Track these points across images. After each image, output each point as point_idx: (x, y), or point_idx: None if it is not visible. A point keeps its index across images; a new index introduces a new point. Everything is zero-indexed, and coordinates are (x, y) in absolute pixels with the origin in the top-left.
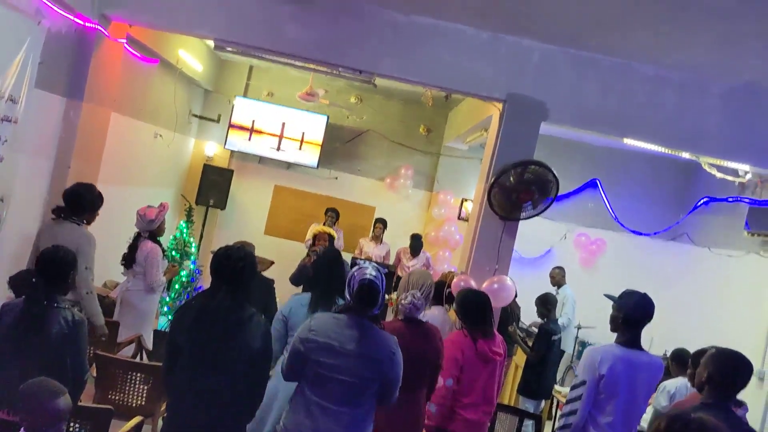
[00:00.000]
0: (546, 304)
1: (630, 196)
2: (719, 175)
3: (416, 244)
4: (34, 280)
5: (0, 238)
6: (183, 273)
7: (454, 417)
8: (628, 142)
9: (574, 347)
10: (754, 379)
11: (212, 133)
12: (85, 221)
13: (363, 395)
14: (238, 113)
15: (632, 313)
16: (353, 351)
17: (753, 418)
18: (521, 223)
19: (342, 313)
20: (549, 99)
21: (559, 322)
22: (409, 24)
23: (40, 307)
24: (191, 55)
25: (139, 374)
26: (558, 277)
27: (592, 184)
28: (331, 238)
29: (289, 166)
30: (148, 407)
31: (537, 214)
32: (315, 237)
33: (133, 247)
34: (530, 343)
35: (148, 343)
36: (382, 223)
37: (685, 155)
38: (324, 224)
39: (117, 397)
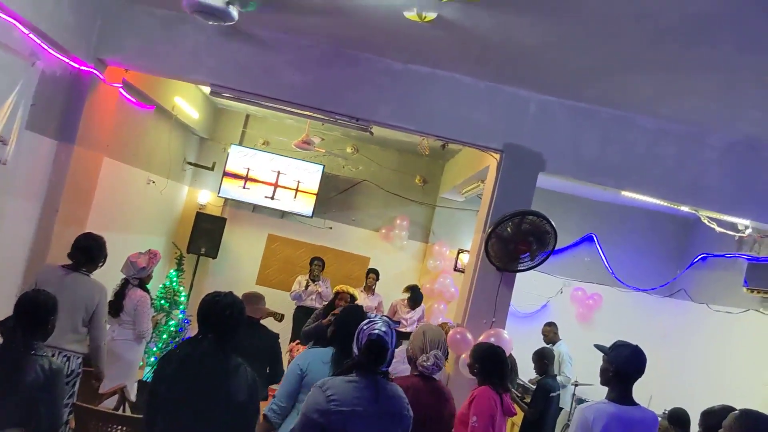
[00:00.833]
0: (543, 359)
1: (627, 250)
2: (719, 229)
3: (416, 296)
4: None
5: None
6: (172, 323)
7: None
8: (627, 194)
9: (572, 404)
10: None
11: (206, 181)
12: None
13: None
14: (233, 161)
15: (624, 366)
16: (377, 411)
17: None
18: (517, 278)
19: (352, 373)
20: (546, 150)
21: (558, 380)
22: (406, 72)
23: (17, 353)
24: (188, 102)
25: (120, 427)
26: (550, 335)
27: (588, 239)
28: (352, 298)
29: (283, 214)
30: None
31: (535, 266)
32: (336, 295)
33: (121, 295)
34: (528, 400)
35: (132, 394)
36: (374, 273)
37: (685, 209)
38: (310, 275)
39: None
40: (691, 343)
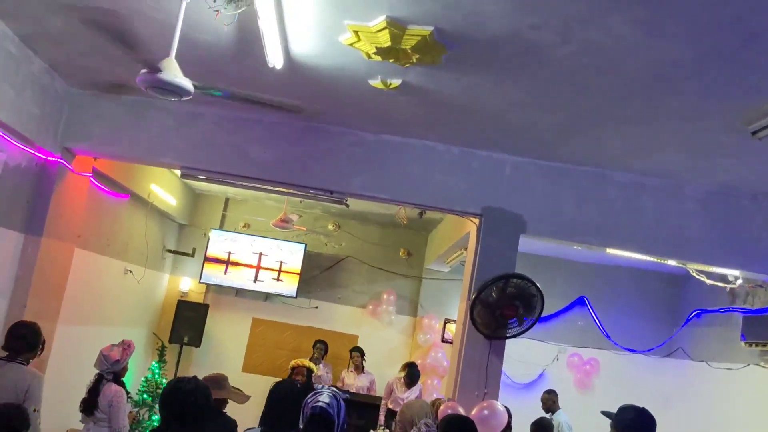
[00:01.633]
0: (541, 430)
1: (620, 312)
2: (709, 282)
3: (413, 372)
4: None
5: None
6: (155, 417)
7: None
8: (611, 252)
9: None
10: None
11: (187, 268)
12: (27, 361)
13: None
14: (213, 246)
15: (630, 429)
16: None
17: None
18: (510, 346)
19: None
20: (525, 211)
21: None
22: (378, 142)
23: None
24: (164, 189)
25: None
26: (549, 403)
27: (580, 302)
28: (309, 371)
29: (267, 297)
30: None
31: (524, 331)
32: (292, 370)
33: (95, 391)
34: None
35: None
36: (358, 351)
37: (671, 263)
38: (311, 358)
39: None
40: (694, 403)
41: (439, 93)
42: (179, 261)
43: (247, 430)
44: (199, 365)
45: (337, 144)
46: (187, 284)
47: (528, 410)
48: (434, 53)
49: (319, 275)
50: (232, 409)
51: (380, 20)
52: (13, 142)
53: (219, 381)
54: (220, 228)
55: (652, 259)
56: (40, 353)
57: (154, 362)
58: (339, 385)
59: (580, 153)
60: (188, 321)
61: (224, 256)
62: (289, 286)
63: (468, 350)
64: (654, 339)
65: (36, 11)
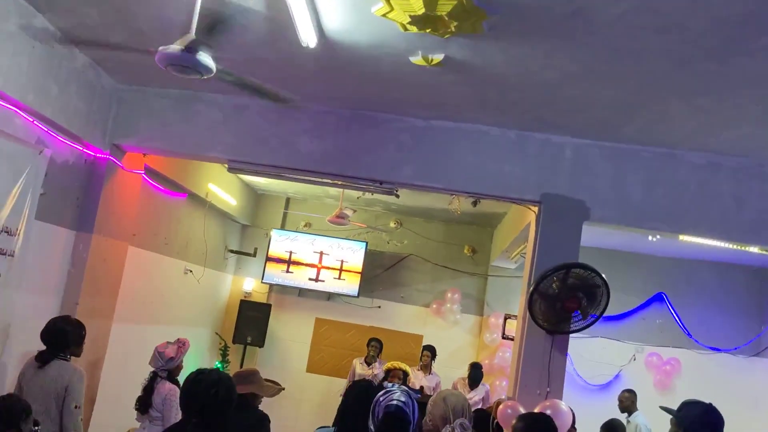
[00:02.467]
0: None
1: (702, 309)
2: None
3: (476, 373)
4: None
5: None
6: None
7: None
8: (685, 239)
9: None
10: None
11: (250, 269)
12: (70, 356)
13: None
14: (275, 245)
15: (696, 427)
16: None
17: None
18: (583, 346)
19: None
20: (588, 197)
21: None
22: (428, 129)
23: None
24: (222, 189)
25: None
26: (627, 402)
27: (657, 299)
28: (405, 374)
29: (329, 297)
30: None
31: (588, 325)
32: (388, 372)
33: (149, 389)
34: None
35: None
36: (429, 350)
37: (754, 249)
38: (366, 357)
39: None
40: None
41: (486, 67)
42: (242, 261)
43: (319, 428)
44: (263, 365)
45: (385, 132)
46: (251, 284)
47: (602, 413)
48: (474, 19)
49: (381, 274)
50: (295, 409)
51: None
52: (59, 138)
53: (247, 376)
54: (282, 228)
55: (731, 246)
56: (78, 350)
57: (217, 362)
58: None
59: (647, 132)
60: (251, 321)
61: (285, 256)
62: (350, 285)
63: (528, 346)
64: (740, 337)
65: (70, 2)
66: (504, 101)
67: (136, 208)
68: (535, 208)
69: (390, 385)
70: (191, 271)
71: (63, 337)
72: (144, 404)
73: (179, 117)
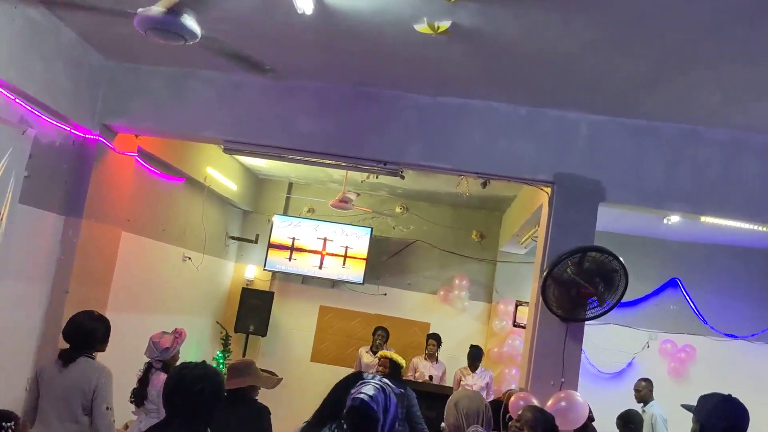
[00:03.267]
0: (629, 424)
1: (718, 295)
2: None
3: (474, 353)
4: None
5: None
6: None
7: None
8: (707, 220)
9: None
10: None
11: (252, 256)
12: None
13: None
14: (277, 232)
15: (712, 420)
16: None
17: None
18: (595, 333)
19: None
20: (604, 176)
21: None
22: (436, 106)
23: None
24: (222, 173)
25: None
26: (644, 392)
27: (672, 284)
28: (396, 365)
29: (333, 284)
30: None
31: (605, 312)
32: (378, 362)
33: (145, 381)
34: None
35: None
36: (435, 339)
37: None
38: (372, 346)
39: None
40: None
41: (497, 36)
42: (244, 248)
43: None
44: (266, 355)
45: (390, 109)
46: (252, 272)
47: (616, 402)
48: None
49: (387, 260)
50: (300, 400)
51: None
52: (45, 117)
53: (242, 368)
54: (284, 213)
55: (756, 227)
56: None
57: (218, 352)
58: (410, 374)
59: (668, 107)
60: (253, 309)
61: (288, 242)
62: (355, 272)
63: (541, 334)
64: (758, 323)
65: None
66: (515, 75)
67: (129, 193)
68: (548, 189)
69: (370, 376)
70: (190, 259)
71: (91, 335)
72: (139, 396)
73: (172, 96)
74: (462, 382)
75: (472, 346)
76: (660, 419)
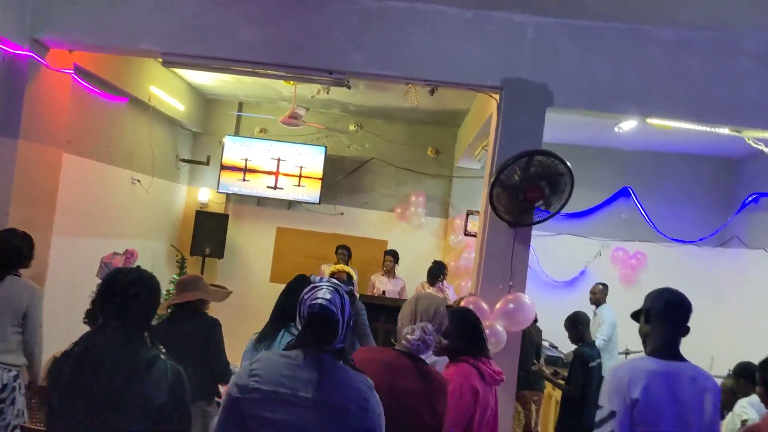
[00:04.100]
0: (577, 324)
1: (668, 202)
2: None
3: (434, 268)
4: None
5: None
6: None
7: None
8: (653, 122)
9: None
10: None
11: (205, 179)
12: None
13: None
14: (229, 153)
15: (660, 308)
16: (310, 400)
17: None
18: (549, 243)
19: (295, 350)
20: (552, 80)
21: (597, 344)
22: (382, 11)
23: None
24: (167, 92)
25: None
26: (599, 295)
27: (624, 193)
28: (349, 277)
29: (290, 205)
30: None
31: (551, 216)
32: (332, 277)
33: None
34: (565, 375)
35: None
36: (392, 255)
37: (724, 131)
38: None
39: None
40: (750, 293)
41: None
42: (196, 171)
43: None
44: (225, 277)
45: (333, 15)
46: (206, 195)
47: (569, 308)
48: None
49: (342, 180)
50: (261, 320)
51: None
52: None
53: (190, 282)
54: (235, 134)
55: (701, 127)
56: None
57: (174, 275)
58: (369, 290)
59: (614, 7)
60: (209, 232)
61: (241, 164)
62: (311, 192)
63: (490, 240)
64: (705, 229)
65: None
66: None
67: (68, 112)
68: (497, 96)
69: (317, 279)
70: (139, 181)
71: (17, 253)
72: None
73: (106, 5)
74: None
75: (433, 263)
76: (608, 320)
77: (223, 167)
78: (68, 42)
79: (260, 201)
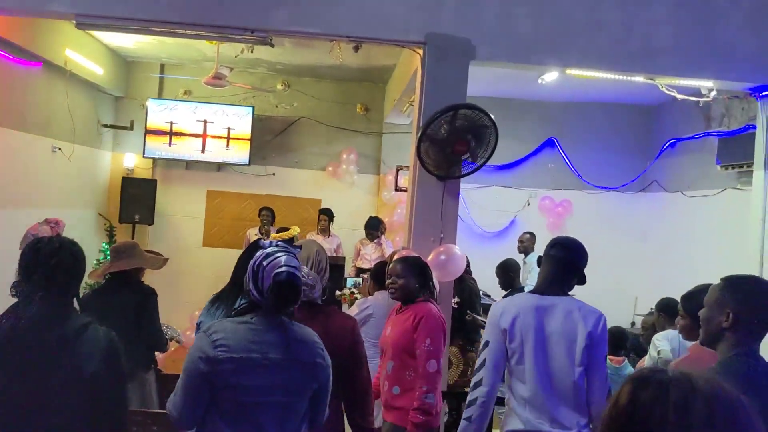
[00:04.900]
0: (508, 271)
1: (592, 151)
2: (680, 97)
3: (370, 222)
4: None
5: None
6: None
7: None
8: (573, 72)
9: None
10: None
11: (129, 144)
12: None
13: (299, 418)
14: (153, 117)
15: (546, 249)
16: (280, 360)
17: None
18: (478, 195)
19: (248, 315)
20: (474, 34)
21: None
22: None
23: None
24: (85, 56)
25: None
26: (527, 243)
27: (549, 144)
28: (291, 241)
29: (219, 167)
30: None
31: (478, 168)
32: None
33: None
34: None
35: None
36: (326, 214)
37: (639, 78)
38: (260, 228)
39: None
40: (671, 234)
41: None
42: (120, 136)
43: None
44: (157, 243)
45: None
46: (132, 160)
47: (500, 257)
48: None
49: (272, 140)
50: (195, 284)
51: None
52: None
53: (125, 249)
54: (159, 97)
55: (618, 76)
56: None
57: (104, 243)
58: None
59: None
60: (137, 199)
61: (166, 127)
62: (240, 153)
63: (420, 195)
64: (627, 175)
65: None
66: None
67: None
68: (420, 51)
69: (267, 242)
70: (60, 149)
71: None
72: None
73: None
74: (361, 252)
75: (369, 218)
76: (537, 268)
77: (148, 131)
78: None
79: (189, 165)
